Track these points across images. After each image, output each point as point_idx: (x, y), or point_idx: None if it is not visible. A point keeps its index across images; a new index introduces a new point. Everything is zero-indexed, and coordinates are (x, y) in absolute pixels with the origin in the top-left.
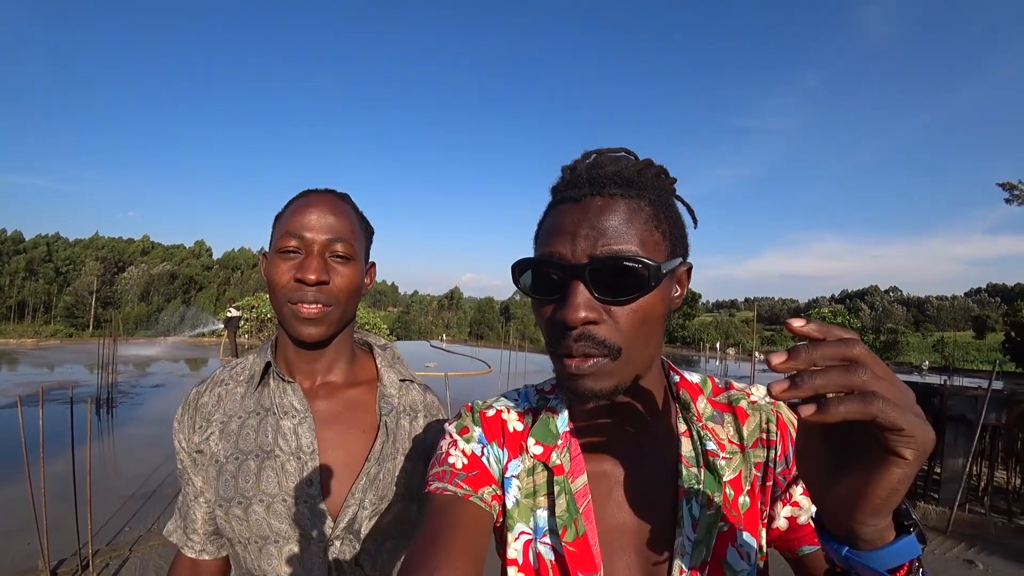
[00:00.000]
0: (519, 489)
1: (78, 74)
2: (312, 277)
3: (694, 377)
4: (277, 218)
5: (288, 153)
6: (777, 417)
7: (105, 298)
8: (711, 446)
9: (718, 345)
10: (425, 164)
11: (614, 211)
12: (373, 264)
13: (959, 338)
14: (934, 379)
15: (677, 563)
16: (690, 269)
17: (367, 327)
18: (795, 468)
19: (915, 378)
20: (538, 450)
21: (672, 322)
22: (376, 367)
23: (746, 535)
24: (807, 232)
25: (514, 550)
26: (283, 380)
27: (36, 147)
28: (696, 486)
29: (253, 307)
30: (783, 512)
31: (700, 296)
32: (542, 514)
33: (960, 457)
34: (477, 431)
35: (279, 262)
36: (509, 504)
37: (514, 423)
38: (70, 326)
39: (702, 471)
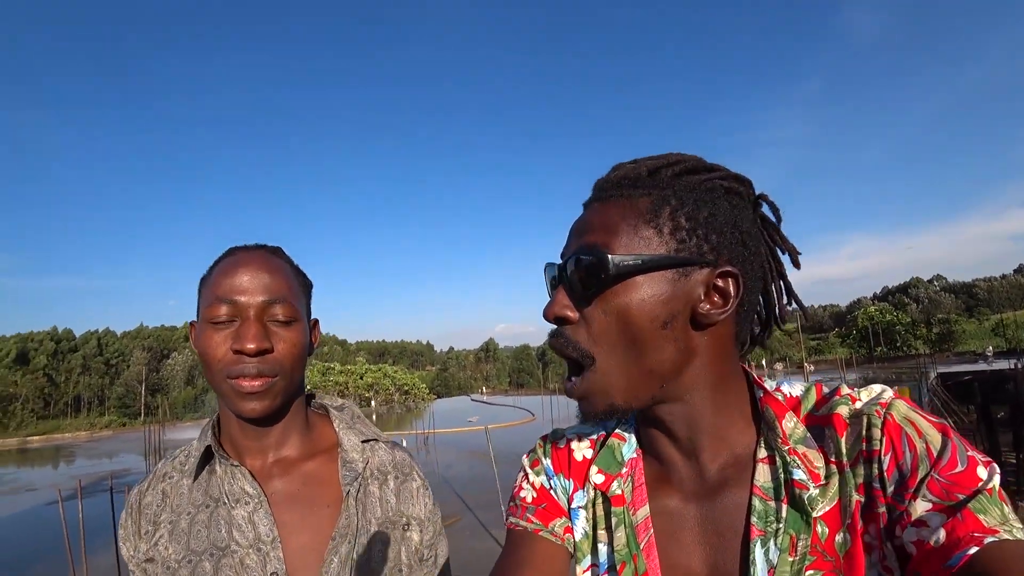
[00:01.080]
0: (586, 520)
1: (108, 176)
2: (252, 346)
3: (794, 389)
4: (203, 282)
5: (321, 215)
6: (884, 421)
7: (153, 385)
8: (799, 475)
9: (763, 362)
10: (447, 218)
11: (601, 211)
12: (316, 321)
13: (1019, 318)
14: (1002, 364)
15: None
16: (731, 276)
17: (407, 388)
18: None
19: (982, 366)
20: (599, 479)
21: None
22: (335, 431)
23: None
24: (834, 234)
25: (567, 544)
26: (229, 464)
27: (81, 249)
28: (773, 525)
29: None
30: (908, 537)
31: (798, 313)
32: (603, 548)
33: None
34: (547, 462)
35: (211, 333)
36: (577, 536)
37: (583, 451)
38: (122, 415)
39: (783, 506)
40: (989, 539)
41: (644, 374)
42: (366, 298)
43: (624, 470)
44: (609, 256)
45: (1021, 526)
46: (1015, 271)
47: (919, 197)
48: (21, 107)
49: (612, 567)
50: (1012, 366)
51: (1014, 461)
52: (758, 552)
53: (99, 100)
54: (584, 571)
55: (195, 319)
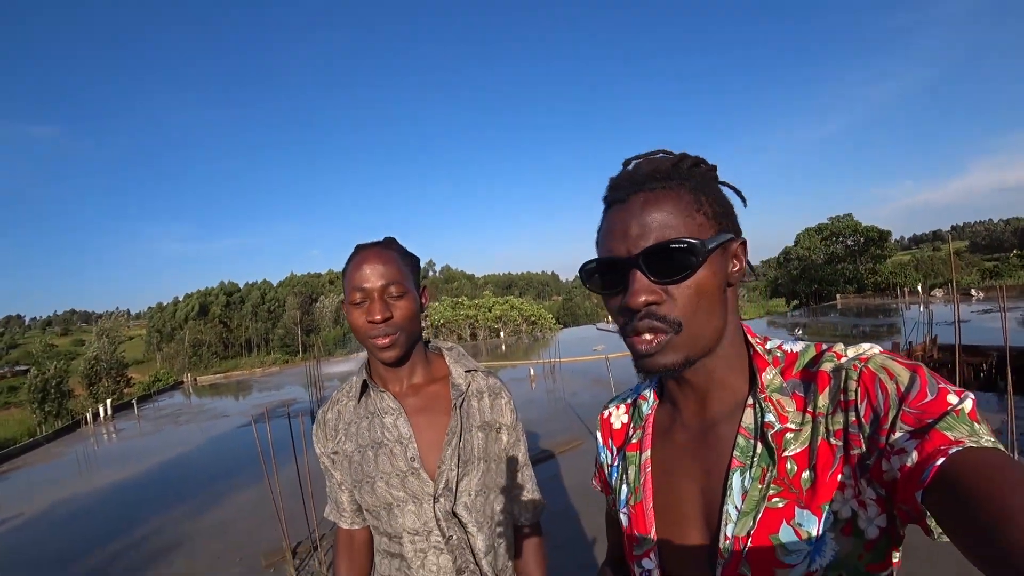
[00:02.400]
0: (617, 474)
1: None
2: (378, 317)
3: (796, 347)
4: (344, 274)
5: (450, 167)
6: (860, 373)
7: (307, 326)
8: (769, 417)
9: (919, 287)
10: (574, 149)
11: (656, 202)
12: (425, 287)
13: None
14: None
15: (723, 531)
16: (744, 244)
17: (534, 319)
18: (898, 425)
19: None
20: (630, 434)
21: (860, 268)
22: (447, 365)
23: (806, 514)
24: (1022, 130)
25: (616, 511)
26: (378, 391)
27: (240, 214)
28: (751, 458)
29: (426, 316)
30: (891, 468)
31: (889, 233)
32: (624, 488)
33: None
34: (599, 436)
35: (353, 311)
36: (613, 487)
37: (620, 418)
38: (285, 353)
39: (758, 443)
40: (954, 449)
41: (711, 331)
42: (493, 232)
43: (643, 423)
44: (699, 243)
45: (992, 438)
46: None
47: None
48: (175, 101)
49: (627, 501)
50: None
51: None
52: (736, 479)
53: (238, 94)
54: (612, 507)
55: (343, 299)
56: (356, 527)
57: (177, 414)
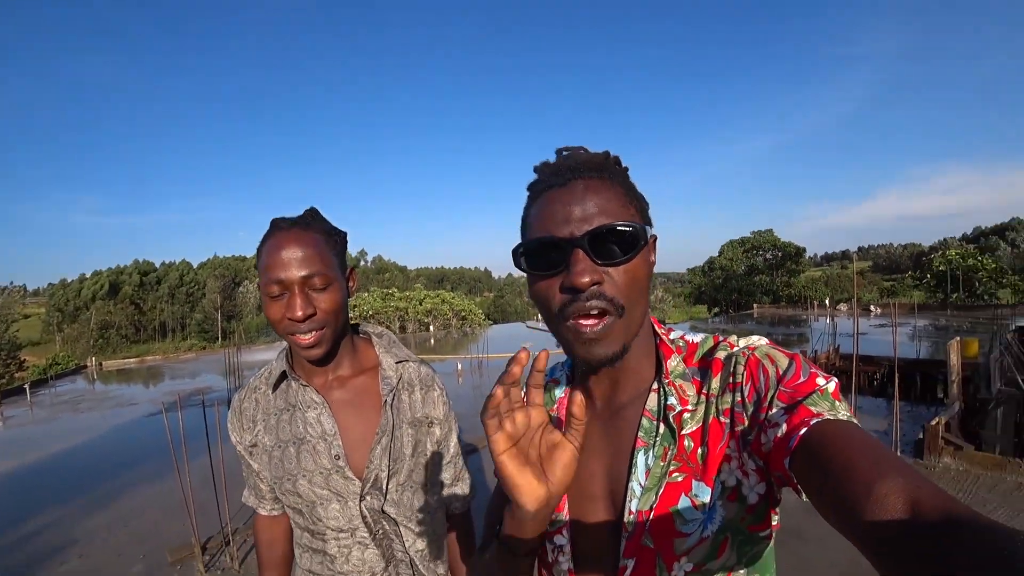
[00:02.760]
0: None
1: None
2: (299, 314)
3: (696, 337)
4: (258, 257)
5: (385, 151)
6: (747, 359)
7: (228, 312)
8: (671, 400)
9: (827, 301)
10: (510, 148)
11: (596, 189)
12: (352, 269)
13: None
14: None
15: (627, 507)
16: (655, 239)
17: (464, 314)
18: (776, 403)
19: None
20: None
21: (776, 280)
22: (376, 354)
23: (701, 486)
24: (926, 166)
25: None
26: (300, 383)
27: (160, 188)
28: (654, 438)
29: (355, 306)
30: (767, 440)
31: (804, 250)
32: None
33: None
34: None
35: (269, 303)
36: None
37: None
38: (202, 339)
39: (660, 424)
40: (815, 420)
41: (641, 318)
42: (427, 226)
43: (555, 406)
44: (644, 227)
45: (848, 413)
46: None
47: None
48: (98, 53)
49: None
50: None
51: None
52: (640, 458)
53: (170, 48)
54: None
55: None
56: (277, 513)
57: (77, 401)
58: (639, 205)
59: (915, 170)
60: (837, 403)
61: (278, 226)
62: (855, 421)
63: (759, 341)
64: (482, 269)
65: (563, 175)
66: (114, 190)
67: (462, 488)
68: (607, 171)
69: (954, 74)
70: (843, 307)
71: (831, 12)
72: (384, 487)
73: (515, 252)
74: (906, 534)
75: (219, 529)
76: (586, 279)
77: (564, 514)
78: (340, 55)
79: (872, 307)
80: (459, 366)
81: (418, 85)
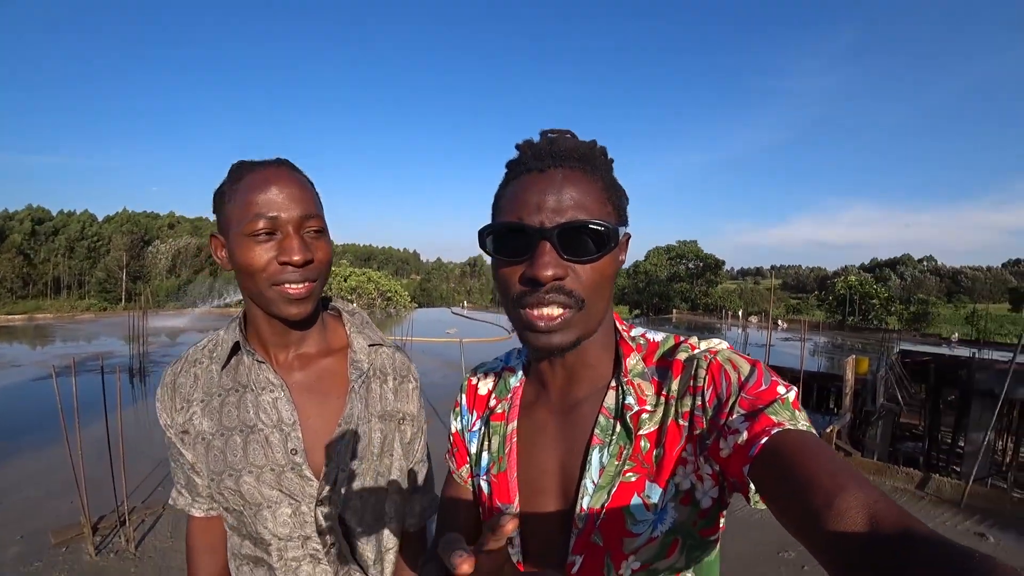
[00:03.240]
0: (478, 439)
1: (96, 59)
2: (299, 259)
3: (657, 336)
4: (225, 196)
5: (310, 125)
6: (709, 363)
7: (135, 272)
8: (629, 400)
9: (740, 313)
10: (445, 130)
11: (575, 181)
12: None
13: (994, 311)
14: (964, 352)
15: (579, 503)
16: (629, 238)
17: (389, 294)
18: (736, 410)
19: (944, 350)
20: (492, 403)
21: (695, 289)
22: (347, 333)
23: (654, 487)
24: (837, 198)
25: (470, 486)
26: (255, 359)
27: (59, 125)
28: (610, 436)
29: None
30: (726, 446)
31: (723, 263)
32: (485, 456)
33: (984, 431)
34: (463, 401)
35: (252, 245)
36: (471, 452)
37: (486, 385)
38: (103, 300)
39: (617, 423)
40: (776, 430)
41: (601, 314)
42: (356, 199)
43: (509, 395)
44: (617, 229)
45: (807, 424)
46: (1003, 265)
47: (929, 174)
48: None
49: (487, 469)
50: (970, 355)
51: (949, 442)
52: (595, 455)
53: None
54: (471, 476)
55: (216, 233)
56: (214, 513)
57: None
58: (617, 202)
59: (827, 202)
60: (797, 413)
61: (263, 163)
62: (813, 432)
63: (720, 345)
64: (411, 251)
65: (544, 160)
66: (4, 122)
67: (422, 501)
68: (590, 163)
69: (867, 121)
70: (754, 319)
71: (765, 48)
72: (345, 490)
73: (482, 232)
74: (865, 547)
75: (113, 508)
76: (548, 273)
77: (515, 506)
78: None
79: (780, 321)
80: None
81: (352, 52)
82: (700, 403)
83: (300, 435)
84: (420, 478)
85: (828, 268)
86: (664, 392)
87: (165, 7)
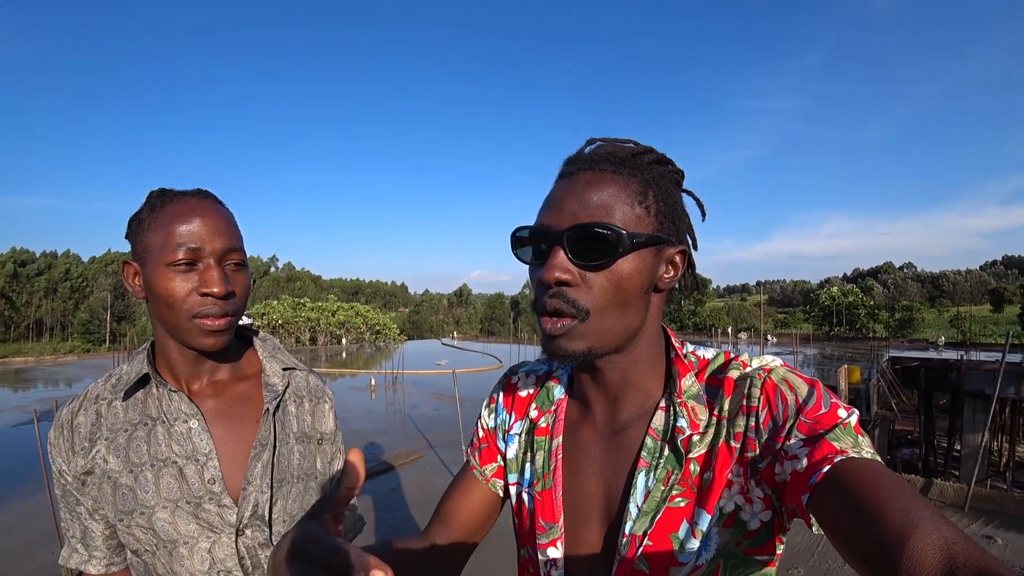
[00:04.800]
0: (518, 445)
1: (78, 92)
2: (220, 290)
3: (708, 353)
4: (145, 223)
5: (293, 154)
6: (764, 382)
7: (119, 313)
8: (681, 423)
9: (730, 330)
10: (429, 163)
11: (599, 183)
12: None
13: (976, 312)
14: (951, 355)
15: (623, 528)
16: (684, 253)
17: (378, 328)
18: (794, 433)
19: (931, 354)
20: (534, 414)
21: (683, 308)
22: (259, 359)
23: (702, 513)
24: (815, 212)
25: (510, 494)
26: (167, 389)
27: (43, 168)
28: (657, 459)
29: (263, 314)
30: (784, 472)
31: (710, 281)
32: (528, 468)
33: (979, 432)
34: (500, 399)
35: (172, 275)
36: (510, 456)
37: (527, 388)
38: (87, 342)
39: (665, 446)
40: (839, 458)
41: (622, 329)
42: (343, 235)
43: (552, 407)
44: (625, 233)
45: (872, 450)
46: (982, 267)
47: (902, 184)
48: None
49: (531, 483)
50: (959, 357)
51: (945, 445)
52: (640, 479)
53: (74, 22)
54: (512, 484)
55: (131, 260)
56: (114, 570)
57: None
58: (658, 208)
59: (805, 215)
60: (860, 438)
61: (186, 193)
62: (879, 459)
63: (774, 362)
64: (398, 283)
65: (575, 164)
66: None
67: (348, 520)
68: (628, 165)
69: (838, 135)
70: (743, 335)
71: (736, 70)
72: (267, 516)
73: (513, 236)
74: None
75: None
76: (552, 274)
77: (560, 525)
78: (268, 47)
79: (770, 336)
80: (372, 381)
81: (333, 86)
82: (753, 424)
83: (217, 463)
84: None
85: (812, 280)
86: (715, 412)
87: (150, 53)
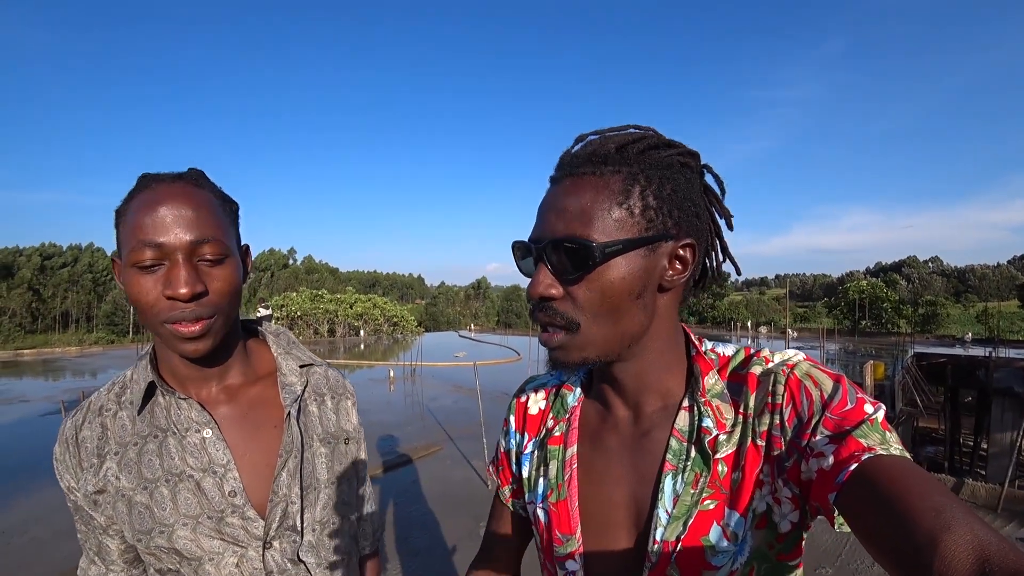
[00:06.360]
0: (531, 463)
1: (97, 86)
2: (184, 291)
3: (727, 350)
4: (119, 216)
5: (306, 146)
6: (787, 378)
7: None
8: (707, 423)
9: (749, 324)
10: (447, 156)
11: (576, 190)
12: (247, 248)
13: (1004, 308)
14: (978, 351)
15: (654, 535)
16: (689, 246)
17: (395, 320)
18: (819, 430)
19: (959, 351)
20: (550, 424)
21: (701, 302)
22: (274, 357)
23: (733, 514)
24: (835, 205)
25: (528, 512)
26: (175, 397)
27: (64, 162)
28: (684, 462)
29: (283, 306)
30: (810, 469)
31: (729, 275)
32: (541, 482)
33: (1008, 431)
34: (512, 421)
35: (138, 278)
36: (524, 476)
37: (538, 404)
38: (111, 333)
39: (691, 447)
40: (867, 455)
41: (618, 335)
42: (361, 227)
43: (567, 415)
44: (593, 245)
45: (900, 447)
46: (1009, 261)
47: (925, 176)
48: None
49: (544, 496)
50: (987, 353)
51: (971, 444)
52: (668, 483)
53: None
54: (528, 504)
55: (116, 255)
56: None
57: None
58: (646, 204)
59: (825, 208)
60: (888, 435)
61: (160, 177)
62: (908, 455)
63: (796, 357)
64: (416, 276)
65: (560, 169)
66: (19, 160)
67: (372, 523)
68: (611, 163)
69: (859, 125)
70: (763, 329)
71: (751, 59)
72: (299, 525)
73: (512, 248)
74: None
75: None
76: (536, 290)
77: (577, 536)
78: (300, 43)
79: (790, 330)
80: (391, 373)
81: (356, 81)
82: (778, 422)
83: (237, 474)
84: (368, 498)
85: (833, 274)
86: (741, 410)
87: (167, 45)
